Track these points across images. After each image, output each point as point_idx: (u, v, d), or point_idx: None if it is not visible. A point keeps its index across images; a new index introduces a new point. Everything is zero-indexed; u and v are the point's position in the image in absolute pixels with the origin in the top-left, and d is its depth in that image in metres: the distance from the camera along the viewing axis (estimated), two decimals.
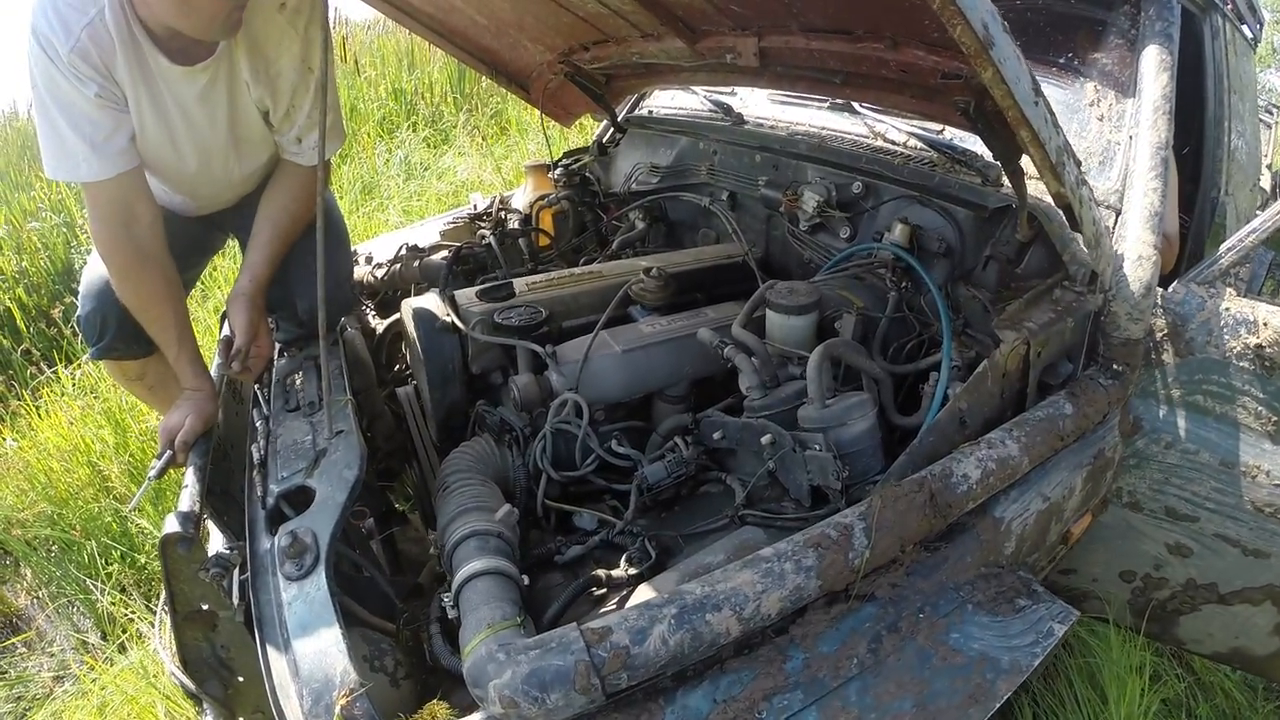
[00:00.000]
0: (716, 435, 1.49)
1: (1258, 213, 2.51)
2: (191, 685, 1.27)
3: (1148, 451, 1.69)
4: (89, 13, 1.46)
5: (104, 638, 2.53)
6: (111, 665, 2.31)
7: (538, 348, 1.67)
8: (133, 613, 2.47)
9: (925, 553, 1.29)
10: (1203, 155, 2.25)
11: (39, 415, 3.48)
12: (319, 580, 1.19)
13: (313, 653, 1.10)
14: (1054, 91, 1.85)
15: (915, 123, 2.00)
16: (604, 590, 1.28)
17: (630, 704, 1.05)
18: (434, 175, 5.94)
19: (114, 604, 2.51)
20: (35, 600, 2.86)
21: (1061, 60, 1.89)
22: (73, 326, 4.04)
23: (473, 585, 1.20)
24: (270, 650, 1.15)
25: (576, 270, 2.13)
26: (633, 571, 1.28)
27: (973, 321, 1.59)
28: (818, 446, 1.31)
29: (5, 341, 4.24)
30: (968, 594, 1.27)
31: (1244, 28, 2.60)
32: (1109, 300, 1.59)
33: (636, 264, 2.09)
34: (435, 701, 1.13)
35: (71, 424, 3.28)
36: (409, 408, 2.00)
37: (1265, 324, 1.53)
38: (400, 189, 5.66)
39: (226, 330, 1.73)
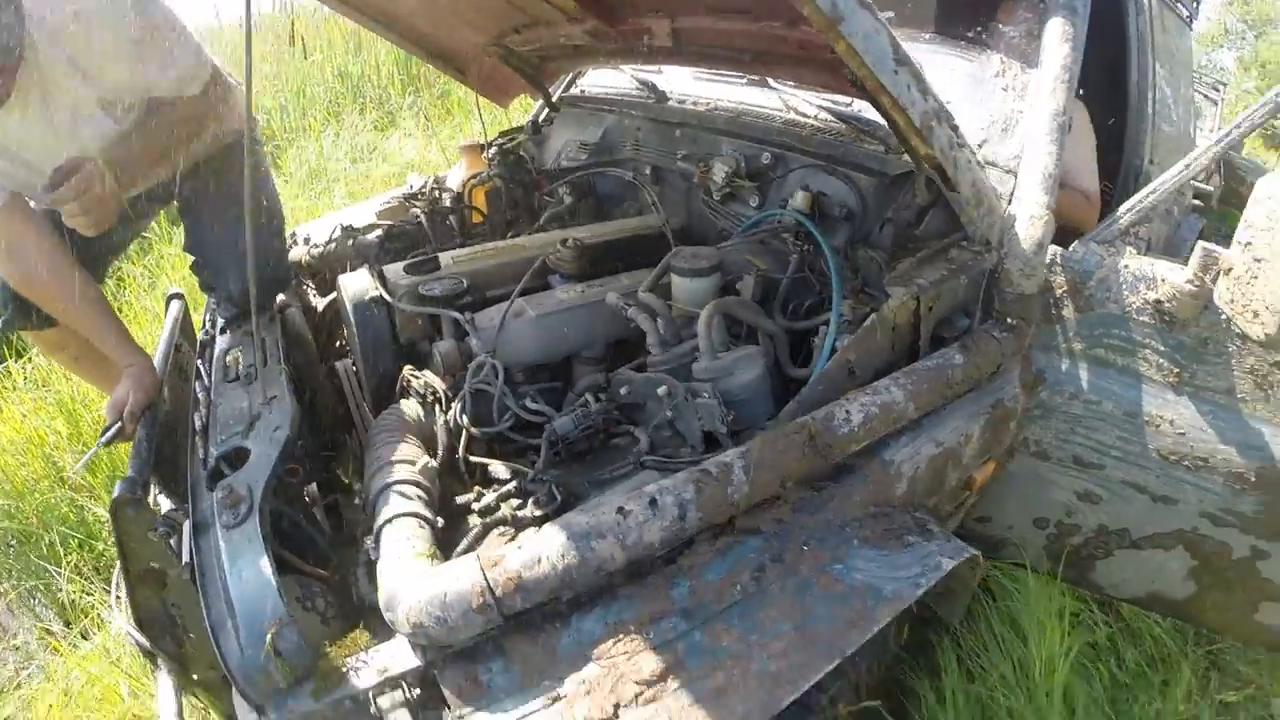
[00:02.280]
0: (624, 390, 1.65)
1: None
2: (146, 642, 1.38)
3: (1052, 403, 1.84)
4: None
5: (67, 625, 2.65)
6: (76, 650, 2.44)
7: (457, 315, 1.84)
8: (94, 599, 2.61)
9: (811, 491, 1.44)
10: (1125, 125, 2.40)
11: None
12: (253, 525, 1.32)
13: (247, 591, 1.22)
14: (962, 64, 2.02)
15: (825, 96, 2.15)
16: (511, 530, 1.42)
17: (529, 626, 1.19)
18: (380, 158, 6.10)
19: (74, 592, 2.63)
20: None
21: (970, 34, 2.04)
22: None
23: (390, 526, 1.34)
24: (210, 594, 1.28)
25: (500, 243, 2.30)
26: (538, 513, 1.42)
27: (870, 281, 1.74)
28: (706, 395, 1.47)
29: None
30: (855, 530, 1.42)
31: (1179, 6, 2.77)
32: (1002, 258, 1.75)
33: (557, 236, 2.26)
34: (357, 630, 1.28)
35: (24, 417, 3.39)
36: (346, 380, 2.15)
37: (1164, 280, 1.66)
38: (347, 172, 5.81)
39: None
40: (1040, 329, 1.82)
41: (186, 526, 1.44)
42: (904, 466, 1.56)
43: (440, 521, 1.42)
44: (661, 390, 1.53)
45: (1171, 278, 1.65)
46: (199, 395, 1.85)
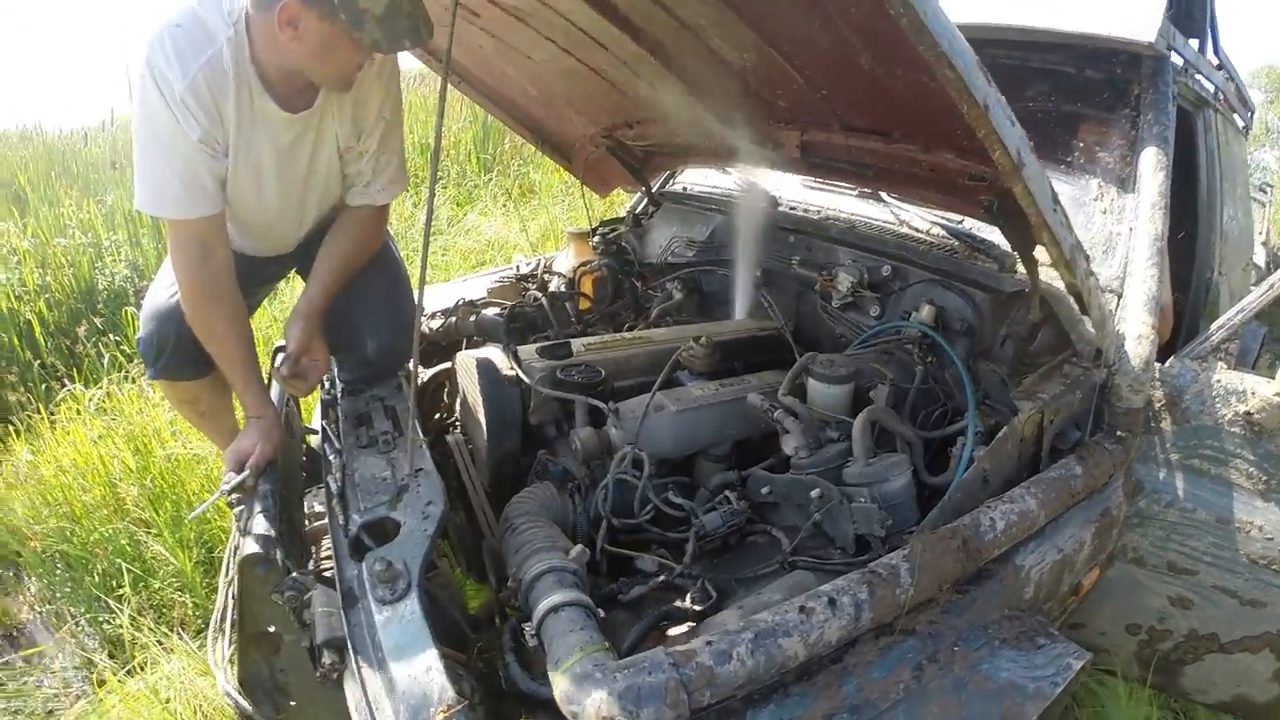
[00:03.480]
0: (765, 490, 1.74)
1: (1251, 289, 2.84)
2: (247, 706, 1.38)
3: (1149, 510, 1.94)
4: (206, 51, 1.59)
5: (111, 657, 2.64)
6: (122, 686, 2.41)
7: (601, 404, 1.91)
8: (143, 636, 2.56)
9: (957, 594, 1.54)
10: (1197, 238, 2.57)
11: (53, 431, 3.63)
12: (412, 604, 1.34)
13: (409, 672, 1.23)
14: (1063, 187, 2.15)
15: (936, 212, 2.30)
16: (672, 625, 1.49)
17: None
18: (459, 232, 6.28)
19: (122, 627, 2.62)
20: (38, 616, 2.98)
21: (1069, 159, 2.20)
22: (96, 346, 4.22)
23: (556, 615, 1.33)
24: (364, 670, 1.28)
25: (628, 335, 2.40)
26: (697, 608, 1.49)
27: (991, 393, 1.87)
28: (863, 499, 1.58)
29: (24, 354, 4.42)
30: (995, 631, 1.52)
31: (1235, 117, 2.98)
32: (1112, 374, 1.87)
33: (685, 332, 2.37)
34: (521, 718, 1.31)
35: (94, 442, 3.41)
36: (458, 454, 2.21)
37: (1253, 393, 1.79)
38: (418, 240, 5.93)
39: (281, 342, 1.91)
40: (1140, 440, 1.94)
41: (319, 594, 1.42)
42: (1032, 572, 1.66)
43: (602, 612, 1.43)
44: (815, 493, 1.62)
45: (1261, 390, 1.78)
46: (329, 458, 1.85)
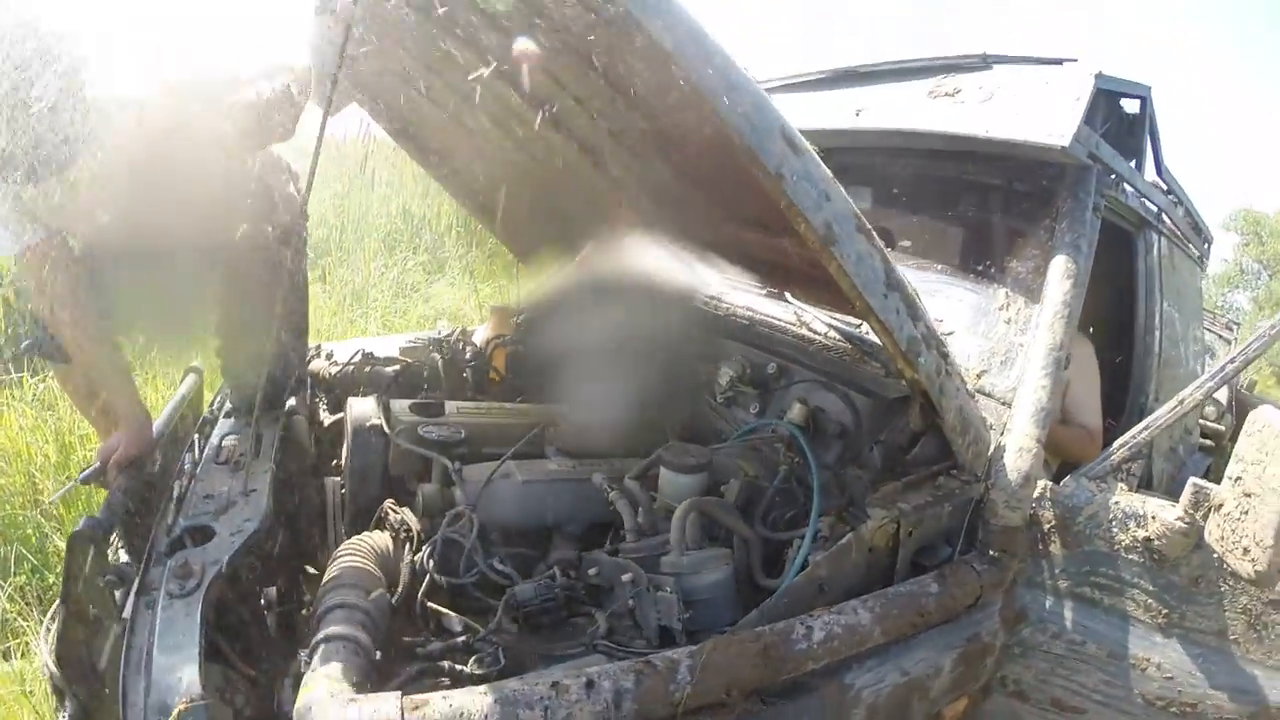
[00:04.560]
0: (592, 571, 1.63)
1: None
2: (61, 679, 1.34)
3: (1033, 640, 1.78)
4: None
5: None
6: None
7: (446, 462, 1.87)
8: (27, 625, 2.60)
9: (761, 705, 1.37)
10: (1131, 362, 2.43)
11: None
12: (194, 601, 1.34)
13: (169, 662, 1.23)
14: (970, 296, 2.08)
15: (836, 315, 2.22)
16: (447, 681, 1.39)
17: None
18: (422, 299, 6.38)
19: (11, 612, 2.64)
20: None
21: (980, 268, 2.10)
22: None
23: (327, 645, 1.31)
24: (132, 653, 1.29)
25: (507, 405, 2.37)
26: (479, 671, 1.39)
27: (856, 500, 1.72)
28: (668, 589, 1.44)
29: None
30: None
31: (1189, 246, 2.85)
32: (988, 489, 1.72)
33: (560, 409, 2.32)
34: None
35: (20, 430, 3.46)
36: (331, 496, 2.15)
37: (1154, 517, 1.62)
38: (388, 304, 6.07)
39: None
40: (1026, 564, 1.77)
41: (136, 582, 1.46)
42: (864, 693, 1.49)
43: (378, 654, 1.39)
44: (626, 577, 1.51)
45: (1162, 515, 1.62)
46: (186, 466, 1.89)
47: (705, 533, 1.65)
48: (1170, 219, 2.66)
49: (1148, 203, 2.46)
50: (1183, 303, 2.79)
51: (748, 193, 1.72)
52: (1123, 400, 2.44)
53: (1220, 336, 5.56)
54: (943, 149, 2.21)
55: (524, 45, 1.48)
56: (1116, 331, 2.53)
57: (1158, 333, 2.48)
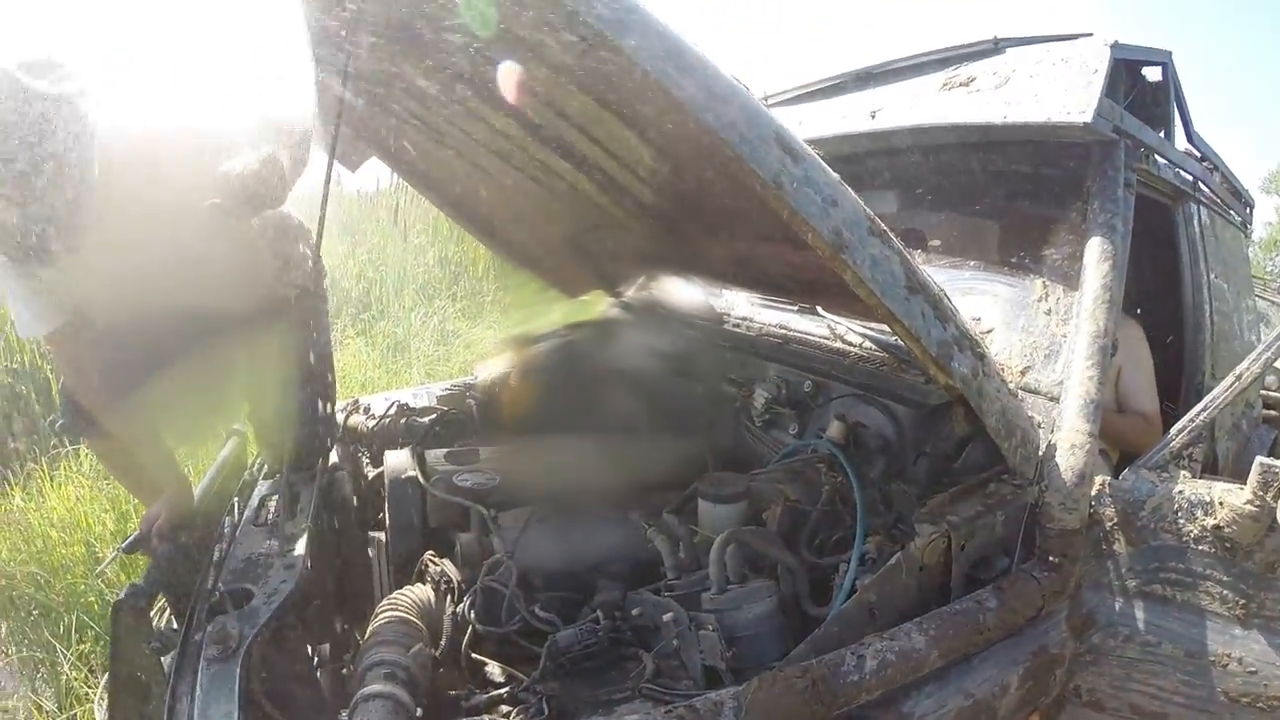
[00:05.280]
0: (636, 611, 1.56)
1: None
2: None
3: (1104, 646, 1.65)
4: None
5: (59, 708, 2.69)
6: None
7: (482, 510, 1.82)
8: (92, 690, 2.63)
9: None
10: (1183, 341, 2.28)
11: (51, 483, 3.76)
12: (233, 666, 1.32)
13: None
14: (1003, 290, 1.97)
15: (870, 325, 2.11)
16: None
17: None
18: (463, 344, 6.41)
19: (77, 679, 2.69)
20: (3, 656, 3.05)
21: (1014, 260, 1.99)
22: None
23: (367, 704, 1.28)
24: (176, 717, 1.28)
25: (544, 443, 2.30)
26: None
27: (904, 517, 1.63)
28: (710, 627, 1.37)
29: (38, 408, 4.64)
30: None
31: (1230, 213, 2.69)
32: (1042, 492, 1.61)
33: (603, 447, 2.22)
34: None
35: (79, 500, 3.55)
36: (375, 552, 2.13)
37: (1222, 503, 1.50)
38: (430, 352, 6.11)
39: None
40: (1090, 566, 1.65)
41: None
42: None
43: (419, 711, 1.35)
44: (667, 617, 1.44)
45: (1230, 500, 1.49)
46: (226, 530, 1.88)
47: (748, 564, 1.57)
48: (1208, 187, 2.51)
49: (1182, 173, 2.32)
50: (1230, 272, 2.64)
51: (762, 207, 1.67)
52: (1178, 381, 2.30)
53: (1273, 303, 5.21)
54: (963, 141, 2.11)
55: (508, 71, 1.45)
56: (1165, 310, 2.38)
57: (1208, 307, 2.33)
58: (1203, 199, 2.44)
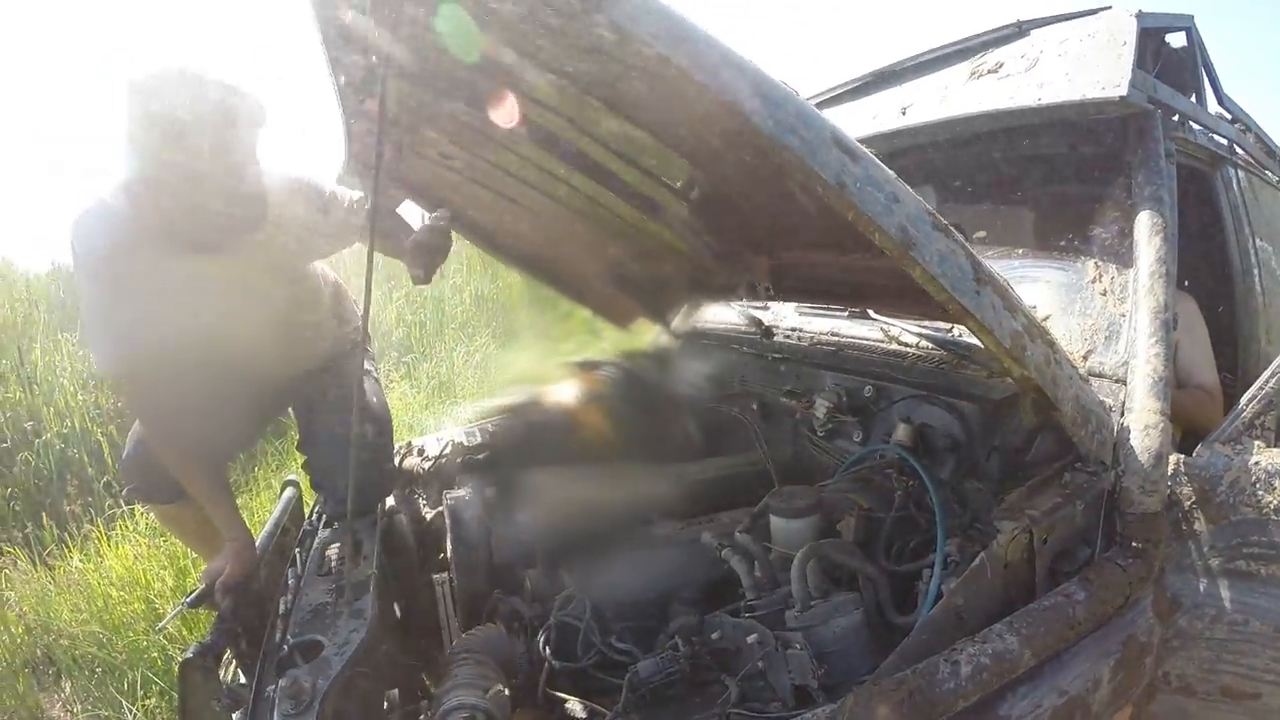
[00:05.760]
0: (715, 635, 1.52)
1: None
2: None
3: (1191, 629, 1.60)
4: (114, 223, 1.70)
5: None
6: None
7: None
8: None
9: None
10: (1236, 309, 2.21)
11: (108, 543, 3.79)
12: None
13: None
14: (1057, 274, 1.91)
15: (925, 324, 2.06)
16: None
17: None
18: (499, 370, 6.45)
19: None
20: (70, 715, 3.05)
21: (1062, 243, 1.93)
22: None
23: None
24: None
25: (606, 469, 2.22)
26: None
27: (980, 516, 1.58)
28: (798, 646, 1.32)
29: (90, 470, 4.70)
30: None
31: (1266, 172, 2.61)
32: (1119, 477, 1.56)
33: (659, 471, 2.23)
34: None
35: (137, 559, 3.57)
36: (440, 593, 2.10)
37: None
38: (473, 390, 6.14)
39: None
40: (1171, 548, 1.59)
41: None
42: None
43: None
44: (752, 639, 1.40)
45: None
46: (289, 581, 1.85)
47: (828, 577, 1.53)
48: (1243, 149, 2.44)
49: (1216, 137, 2.25)
50: (1275, 234, 2.55)
51: (808, 214, 1.63)
52: (1234, 351, 2.22)
53: None
54: (998, 129, 2.06)
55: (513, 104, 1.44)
56: (1212, 280, 2.31)
57: (1256, 271, 2.25)
58: (1239, 162, 2.36)
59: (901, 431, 1.82)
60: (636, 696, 1.44)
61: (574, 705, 1.48)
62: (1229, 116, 2.41)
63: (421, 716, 1.50)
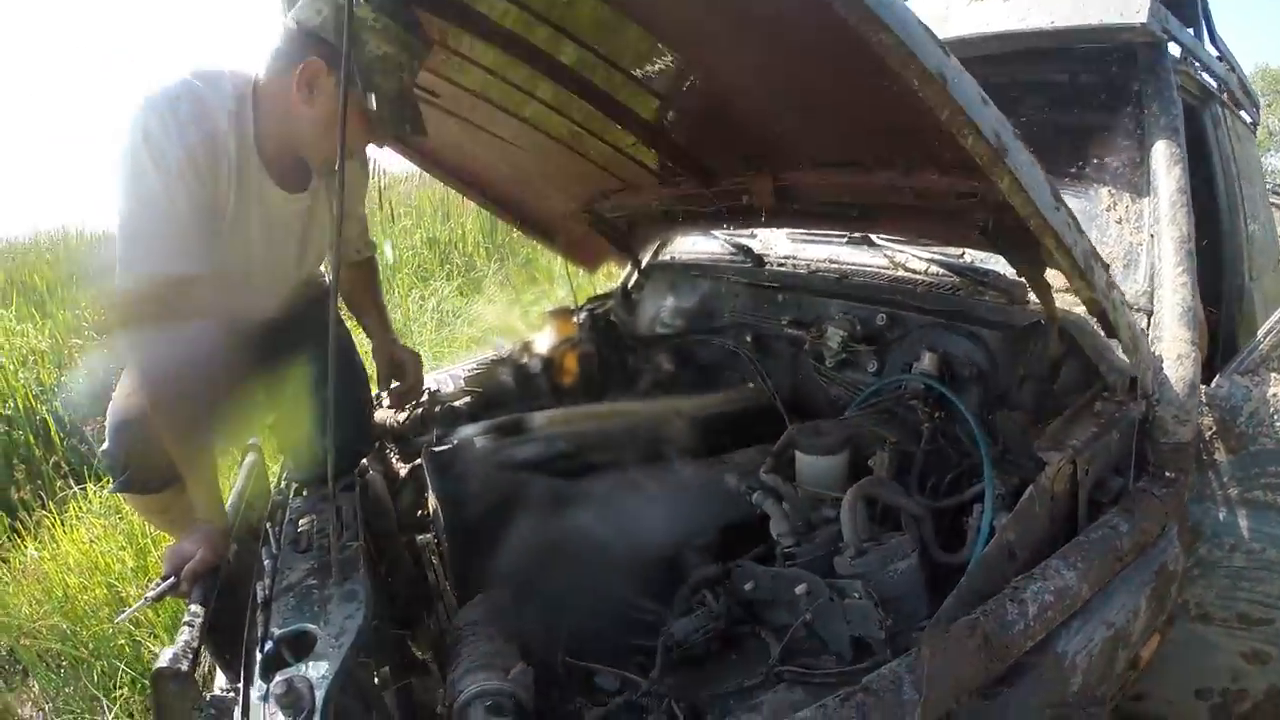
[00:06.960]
0: (748, 586, 1.36)
1: None
2: None
3: (1211, 558, 1.57)
4: (205, 126, 1.46)
5: None
6: None
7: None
8: None
9: (984, 700, 1.14)
10: (1221, 244, 2.18)
11: (63, 528, 3.46)
12: None
13: None
14: (1071, 202, 1.80)
15: (934, 249, 1.95)
16: None
17: None
18: (465, 322, 6.12)
19: None
20: (40, 713, 2.79)
21: (1073, 171, 1.84)
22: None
23: None
24: None
25: (601, 407, 2.06)
26: None
27: (1012, 446, 1.48)
28: (857, 594, 1.19)
29: (38, 452, 4.31)
30: None
31: (1242, 114, 2.59)
32: (1153, 405, 1.49)
33: (663, 405, 2.02)
34: None
35: (93, 541, 3.25)
36: (427, 555, 1.89)
37: None
38: (432, 335, 5.81)
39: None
40: (1193, 478, 1.54)
41: (236, 714, 1.18)
42: (1078, 658, 1.26)
43: None
44: (800, 589, 1.25)
45: None
46: (265, 563, 1.56)
47: (868, 517, 1.40)
48: (1228, 88, 2.40)
49: (1207, 75, 2.20)
50: (1250, 172, 2.54)
51: (836, 121, 1.49)
52: (1218, 286, 2.19)
53: (1272, 204, 5.15)
54: (999, 52, 1.95)
55: None
56: (1198, 214, 2.27)
57: (1241, 209, 2.23)
58: (1225, 101, 2.33)
59: (928, 360, 1.70)
60: (670, 660, 1.29)
61: (606, 676, 1.31)
62: (1217, 54, 2.36)
63: (439, 708, 1.29)
